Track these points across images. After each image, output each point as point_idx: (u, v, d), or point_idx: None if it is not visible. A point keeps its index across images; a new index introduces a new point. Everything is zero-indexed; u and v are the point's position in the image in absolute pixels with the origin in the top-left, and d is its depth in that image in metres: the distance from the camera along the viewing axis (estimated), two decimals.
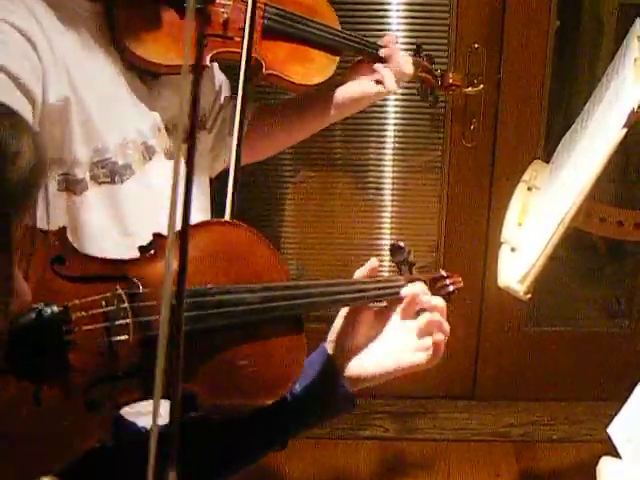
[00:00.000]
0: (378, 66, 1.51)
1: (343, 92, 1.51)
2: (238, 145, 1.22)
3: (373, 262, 1.15)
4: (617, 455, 1.28)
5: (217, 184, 1.47)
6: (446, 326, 1.10)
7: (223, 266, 0.96)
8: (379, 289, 1.13)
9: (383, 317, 1.13)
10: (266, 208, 2.67)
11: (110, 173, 1.25)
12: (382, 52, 1.52)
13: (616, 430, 1.29)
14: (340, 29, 1.50)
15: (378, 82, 1.50)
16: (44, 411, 0.79)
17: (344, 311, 1.11)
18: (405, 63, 1.53)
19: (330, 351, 1.10)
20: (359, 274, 1.13)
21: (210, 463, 1.05)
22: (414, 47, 1.68)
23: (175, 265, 0.57)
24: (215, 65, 1.50)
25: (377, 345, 1.11)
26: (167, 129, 1.34)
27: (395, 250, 1.23)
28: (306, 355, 1.01)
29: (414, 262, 1.23)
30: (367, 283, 1.12)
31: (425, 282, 1.23)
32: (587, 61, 2.81)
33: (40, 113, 1.15)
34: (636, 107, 1.39)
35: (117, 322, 0.84)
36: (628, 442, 1.27)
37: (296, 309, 1.00)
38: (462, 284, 1.31)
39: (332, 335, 1.11)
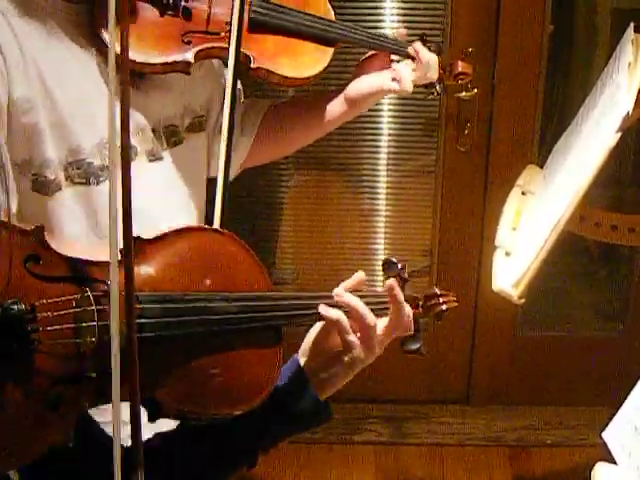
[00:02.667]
0: (398, 65, 1.45)
1: (357, 86, 1.46)
2: (228, 146, 1.20)
3: (359, 275, 1.12)
4: (612, 460, 1.27)
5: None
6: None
7: (201, 274, 0.95)
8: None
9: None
10: (260, 213, 2.67)
11: (85, 174, 1.23)
12: (411, 50, 1.46)
13: (611, 435, 1.29)
14: (333, 20, 1.44)
15: (394, 79, 1.44)
16: (3, 406, 0.79)
17: (320, 323, 1.09)
18: (431, 67, 1.47)
19: (302, 362, 1.08)
20: (344, 286, 1.10)
21: None
22: (418, 37, 1.57)
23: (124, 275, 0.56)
24: (219, 64, 1.46)
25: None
26: (154, 131, 1.32)
27: (388, 265, 1.20)
28: (280, 367, 0.99)
29: (407, 279, 1.19)
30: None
31: (418, 299, 1.22)
32: (581, 66, 2.82)
33: (7, 112, 1.13)
34: (630, 112, 1.38)
35: (84, 324, 0.83)
36: (623, 447, 1.26)
37: (273, 320, 0.98)
38: (456, 303, 1.27)
39: (305, 345, 1.09)
